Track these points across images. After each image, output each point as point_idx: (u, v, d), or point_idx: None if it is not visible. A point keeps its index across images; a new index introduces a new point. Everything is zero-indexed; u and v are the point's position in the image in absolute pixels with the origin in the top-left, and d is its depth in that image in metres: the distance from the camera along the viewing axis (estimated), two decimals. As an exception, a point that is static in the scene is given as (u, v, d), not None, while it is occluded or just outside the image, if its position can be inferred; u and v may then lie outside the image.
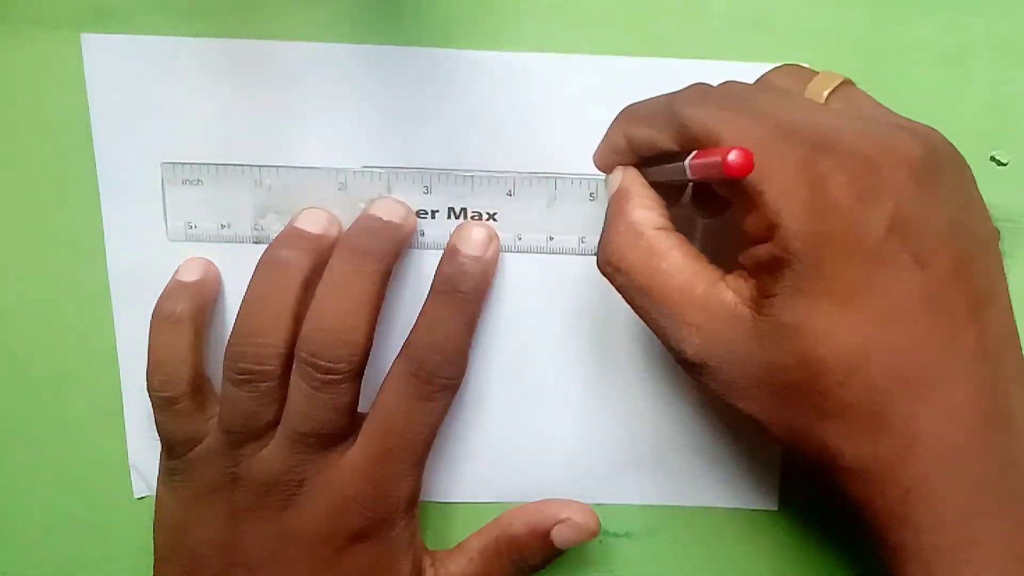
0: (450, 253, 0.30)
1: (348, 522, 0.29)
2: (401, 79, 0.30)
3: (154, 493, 0.33)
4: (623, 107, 0.28)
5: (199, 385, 0.30)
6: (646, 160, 0.27)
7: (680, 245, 0.25)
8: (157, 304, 0.30)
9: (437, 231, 0.31)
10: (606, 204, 0.27)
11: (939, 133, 0.24)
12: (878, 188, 0.22)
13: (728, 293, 0.23)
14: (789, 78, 0.27)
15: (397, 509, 0.29)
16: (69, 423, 0.33)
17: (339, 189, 0.31)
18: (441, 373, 0.29)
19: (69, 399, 0.32)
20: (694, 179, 0.24)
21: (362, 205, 0.31)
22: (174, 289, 0.31)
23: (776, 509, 0.33)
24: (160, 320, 0.30)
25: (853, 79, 0.30)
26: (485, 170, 0.31)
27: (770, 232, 0.22)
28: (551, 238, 0.31)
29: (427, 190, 0.31)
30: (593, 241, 0.31)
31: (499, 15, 0.30)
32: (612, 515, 0.33)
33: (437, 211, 0.31)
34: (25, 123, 0.31)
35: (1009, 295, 0.24)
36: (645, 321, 0.25)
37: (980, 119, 0.31)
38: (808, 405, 0.23)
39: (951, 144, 0.24)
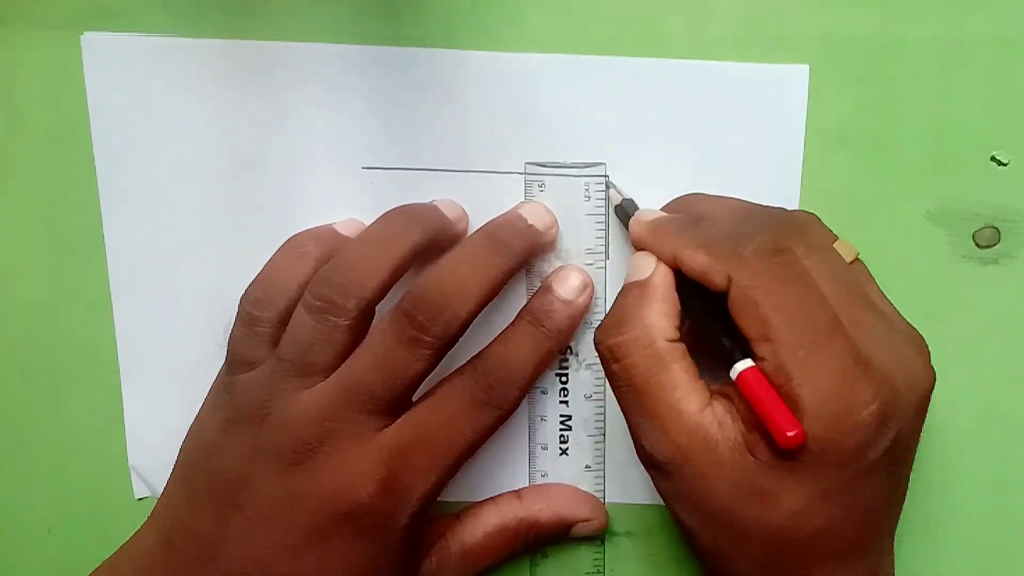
0: (544, 290, 0.30)
1: (349, 501, 0.27)
2: (402, 80, 0.30)
3: (155, 492, 0.33)
4: (683, 221, 0.28)
5: (286, 321, 0.29)
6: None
7: (682, 359, 0.26)
8: (298, 234, 0.30)
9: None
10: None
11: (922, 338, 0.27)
12: (893, 415, 0.24)
13: (714, 426, 0.25)
14: (821, 233, 0.28)
15: (404, 507, 0.27)
16: (70, 423, 0.33)
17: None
18: (501, 389, 0.28)
19: (69, 400, 0.32)
20: (734, 383, 0.25)
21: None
22: (323, 231, 0.30)
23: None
24: (290, 247, 0.30)
25: (854, 79, 0.30)
26: (485, 170, 0.31)
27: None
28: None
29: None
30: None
31: (500, 16, 0.30)
32: (613, 515, 0.33)
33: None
34: (25, 123, 0.31)
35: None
36: (622, 409, 0.27)
37: (980, 119, 0.31)
38: (746, 549, 0.25)
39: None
